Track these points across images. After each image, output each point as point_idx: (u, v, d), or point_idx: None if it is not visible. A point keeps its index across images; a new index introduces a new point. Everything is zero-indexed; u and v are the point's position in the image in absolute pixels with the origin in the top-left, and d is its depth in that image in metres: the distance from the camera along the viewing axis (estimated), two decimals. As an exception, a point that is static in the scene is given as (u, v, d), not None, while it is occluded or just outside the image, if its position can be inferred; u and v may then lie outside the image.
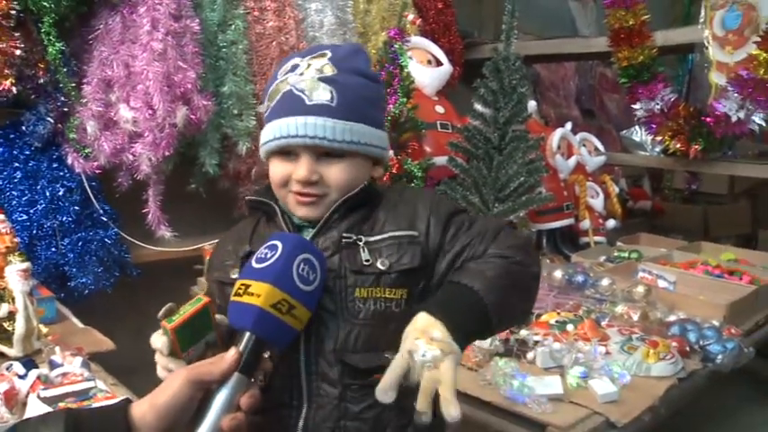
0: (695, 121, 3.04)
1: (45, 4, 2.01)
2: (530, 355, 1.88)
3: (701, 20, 3.08)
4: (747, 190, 4.89)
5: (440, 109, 2.90)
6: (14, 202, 2.14)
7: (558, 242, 3.23)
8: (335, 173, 1.05)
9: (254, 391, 0.88)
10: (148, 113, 2.15)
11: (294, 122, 1.02)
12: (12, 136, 2.19)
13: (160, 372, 0.98)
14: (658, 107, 3.14)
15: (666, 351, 1.89)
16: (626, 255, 3.01)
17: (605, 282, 2.42)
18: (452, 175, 2.65)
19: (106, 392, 1.42)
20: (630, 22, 3.11)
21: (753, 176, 3.50)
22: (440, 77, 2.96)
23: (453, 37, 3.52)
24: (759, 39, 2.80)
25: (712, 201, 4.93)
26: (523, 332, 1.97)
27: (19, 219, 2.11)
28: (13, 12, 1.97)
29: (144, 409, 0.82)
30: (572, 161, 3.26)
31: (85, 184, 2.24)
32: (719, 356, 1.99)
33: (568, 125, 3.41)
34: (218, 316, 0.98)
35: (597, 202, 3.36)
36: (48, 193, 2.17)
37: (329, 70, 1.05)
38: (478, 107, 2.58)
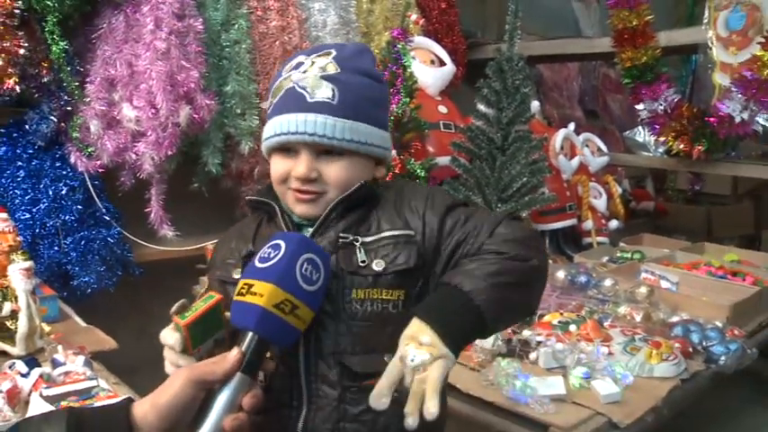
0: (699, 121, 3.04)
1: (49, 3, 2.02)
2: (532, 356, 1.88)
3: (705, 20, 3.07)
4: (751, 191, 4.88)
5: (443, 109, 2.90)
6: (17, 201, 2.14)
7: (561, 243, 3.22)
8: (335, 171, 1.05)
9: (256, 392, 0.87)
10: (151, 113, 2.15)
11: (295, 119, 1.02)
12: (15, 135, 2.19)
13: (168, 368, 0.98)
14: (662, 108, 3.14)
15: (669, 352, 1.88)
16: (629, 255, 3.01)
17: (608, 282, 2.41)
18: (455, 176, 2.64)
19: (108, 391, 1.42)
20: (634, 23, 3.11)
21: (756, 177, 3.48)
22: (443, 77, 2.96)
23: (456, 37, 3.52)
24: (763, 39, 2.80)
25: (715, 201, 4.92)
26: (526, 332, 1.97)
27: (22, 217, 2.12)
28: (17, 11, 1.98)
29: (146, 408, 0.82)
30: (575, 162, 3.26)
31: (88, 183, 2.24)
32: (722, 358, 1.99)
33: (571, 126, 3.40)
34: (226, 314, 0.98)
35: (600, 203, 3.35)
36: (51, 192, 2.17)
37: (332, 69, 1.05)
38: (481, 107, 2.57)
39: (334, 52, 1.07)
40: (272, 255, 0.91)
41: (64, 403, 1.33)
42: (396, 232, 1.04)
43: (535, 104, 3.03)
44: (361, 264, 1.01)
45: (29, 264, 1.68)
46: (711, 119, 2.97)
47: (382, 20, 3.01)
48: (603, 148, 3.59)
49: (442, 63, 3.00)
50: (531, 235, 1.07)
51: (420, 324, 0.90)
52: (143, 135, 2.19)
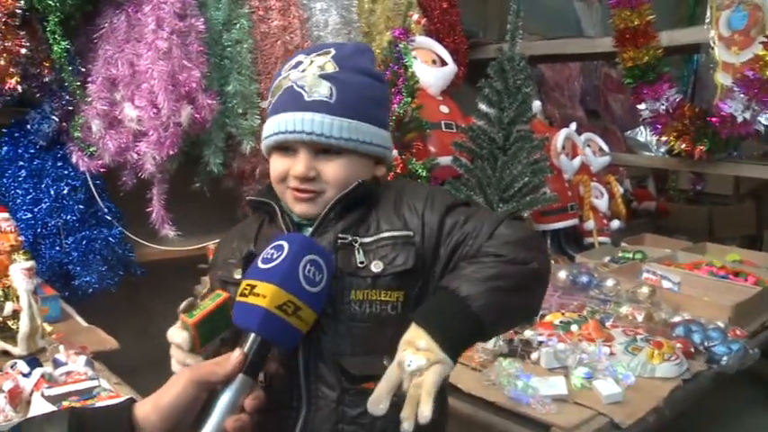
0: (700, 121, 3.03)
1: (50, 2, 2.02)
2: (534, 356, 1.88)
3: (707, 20, 3.06)
4: (752, 191, 4.87)
5: (444, 109, 2.90)
6: (19, 201, 2.14)
7: (563, 243, 3.22)
8: (333, 170, 1.04)
9: (258, 393, 0.87)
10: (153, 112, 2.15)
11: (292, 118, 1.02)
12: (16, 134, 2.19)
13: (175, 366, 0.98)
14: (663, 108, 3.13)
15: (671, 352, 1.88)
16: (630, 255, 3.01)
17: (610, 282, 2.41)
18: (457, 175, 2.65)
19: (110, 391, 1.42)
20: (636, 23, 3.10)
21: (758, 177, 3.48)
22: (444, 77, 2.96)
23: (458, 37, 3.52)
24: (765, 39, 2.79)
25: (717, 201, 4.91)
26: (528, 333, 1.97)
27: (23, 217, 2.12)
28: (19, 10, 1.97)
29: (148, 409, 0.82)
30: (576, 161, 3.26)
31: (90, 183, 2.24)
32: (724, 358, 1.99)
33: (573, 125, 3.40)
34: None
35: (602, 203, 3.35)
36: (52, 192, 2.17)
37: (331, 67, 1.04)
38: (483, 107, 2.58)
39: (333, 51, 1.07)
40: (275, 256, 0.90)
41: (65, 403, 1.33)
42: (395, 233, 1.03)
43: (537, 104, 3.03)
44: (359, 265, 1.00)
45: (30, 263, 1.68)
46: (713, 119, 2.97)
47: (384, 19, 3.01)
48: (605, 147, 3.59)
49: (444, 63, 3.00)
50: (532, 236, 1.06)
51: (417, 329, 0.91)
52: (144, 135, 2.18)
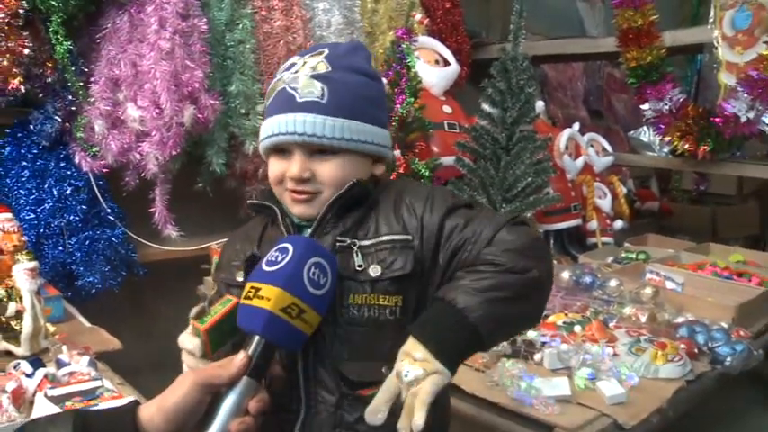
0: (704, 121, 3.03)
1: (53, 3, 2.02)
2: (537, 357, 1.88)
3: (711, 20, 3.06)
4: (756, 191, 4.86)
5: (447, 109, 2.89)
6: (22, 201, 2.14)
7: (566, 243, 3.22)
8: (328, 170, 1.04)
9: (262, 395, 0.87)
10: (156, 112, 2.15)
11: (285, 120, 1.02)
12: (20, 135, 2.19)
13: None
14: (667, 108, 3.13)
15: (675, 353, 1.88)
16: (633, 256, 3.00)
17: (613, 283, 2.41)
18: (460, 176, 2.64)
19: (113, 392, 1.42)
20: (639, 23, 3.10)
21: (761, 177, 3.47)
22: (447, 77, 2.96)
23: (461, 37, 3.51)
24: (769, 39, 2.79)
25: (721, 202, 4.90)
26: (531, 333, 1.96)
27: (26, 217, 2.12)
28: (22, 11, 1.97)
29: (152, 411, 0.82)
30: (580, 162, 3.25)
31: (93, 183, 2.24)
32: (728, 359, 1.98)
33: (576, 125, 3.40)
34: None
35: (605, 203, 3.35)
36: (55, 192, 2.18)
37: (323, 68, 1.04)
38: (486, 107, 2.57)
39: (326, 51, 1.07)
40: (279, 258, 0.90)
41: (68, 403, 1.34)
42: (393, 237, 1.02)
43: (540, 104, 3.02)
44: (357, 268, 1.00)
45: (33, 264, 1.68)
46: (717, 119, 2.96)
47: (386, 20, 3.01)
48: (608, 147, 3.59)
49: (447, 63, 3.00)
50: (534, 242, 1.02)
51: (414, 341, 0.91)
52: (147, 135, 2.19)
